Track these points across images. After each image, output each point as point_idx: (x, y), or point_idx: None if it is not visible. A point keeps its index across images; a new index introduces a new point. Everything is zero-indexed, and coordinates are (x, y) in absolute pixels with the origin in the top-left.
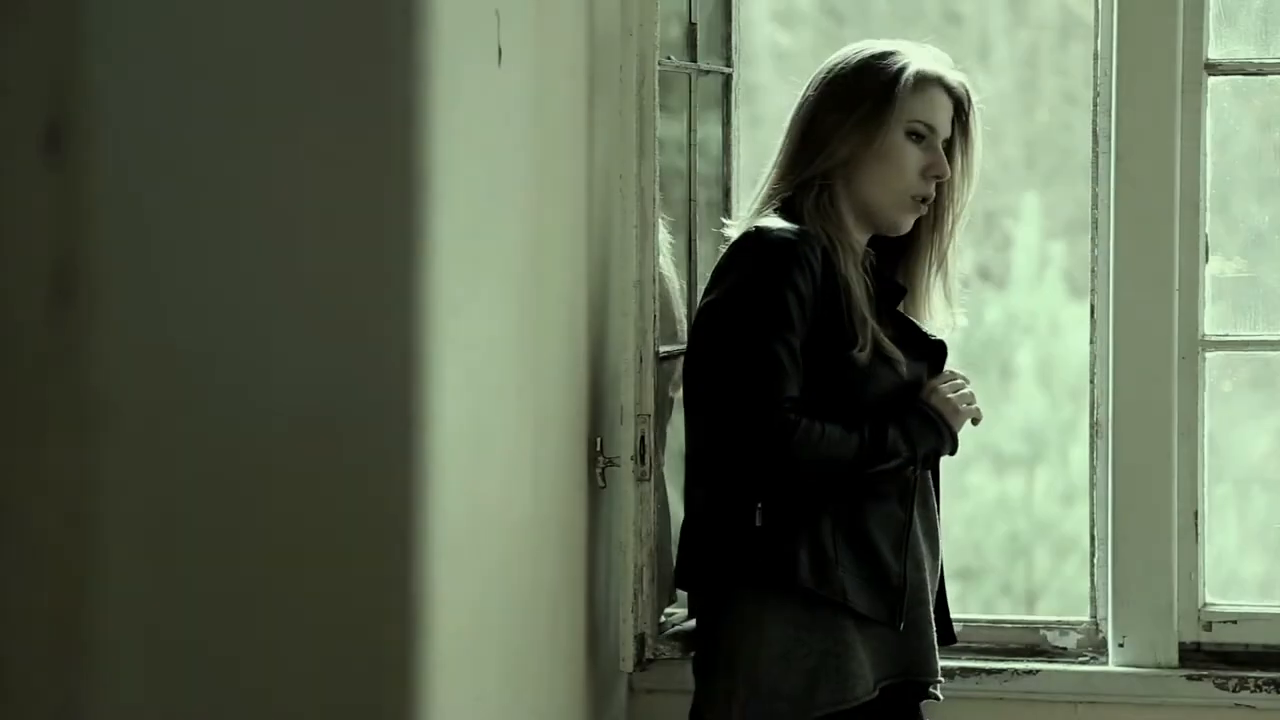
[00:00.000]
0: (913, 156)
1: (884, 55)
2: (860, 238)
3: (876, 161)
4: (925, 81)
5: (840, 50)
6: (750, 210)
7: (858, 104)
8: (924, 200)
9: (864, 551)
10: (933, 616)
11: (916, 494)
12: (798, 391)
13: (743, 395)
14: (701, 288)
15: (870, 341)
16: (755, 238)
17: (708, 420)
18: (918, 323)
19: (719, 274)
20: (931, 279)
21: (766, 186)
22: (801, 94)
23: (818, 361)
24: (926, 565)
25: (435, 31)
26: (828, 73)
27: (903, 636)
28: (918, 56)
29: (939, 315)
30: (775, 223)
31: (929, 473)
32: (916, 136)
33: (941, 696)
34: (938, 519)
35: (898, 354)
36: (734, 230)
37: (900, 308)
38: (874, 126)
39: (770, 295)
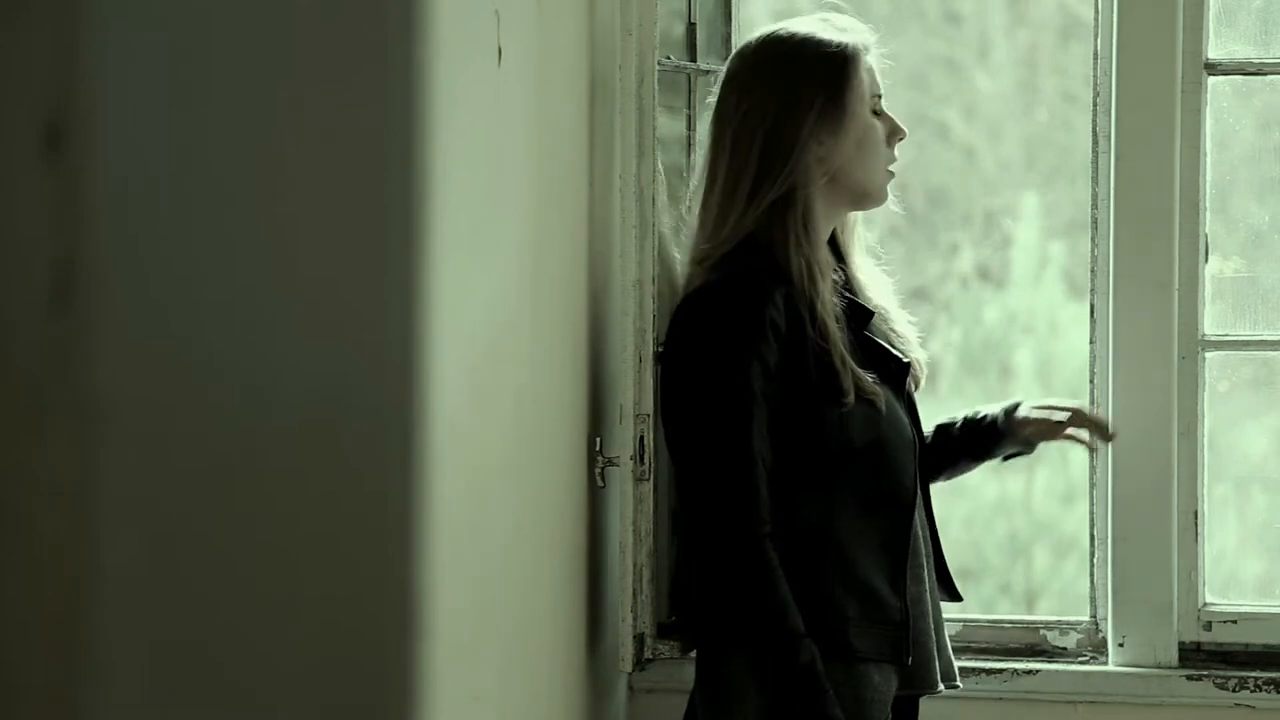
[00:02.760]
0: (881, 131)
1: (804, 41)
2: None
3: (857, 150)
4: (859, 55)
5: (732, 60)
6: (705, 242)
7: (810, 101)
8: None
9: (862, 593)
10: (932, 627)
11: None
12: (768, 460)
13: (712, 504)
14: None
15: (852, 387)
16: (712, 307)
17: (680, 488)
18: (882, 323)
19: (677, 340)
20: (852, 237)
21: (730, 221)
22: (717, 110)
23: (792, 414)
24: (925, 571)
25: (435, 31)
26: (753, 77)
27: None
28: (833, 30)
29: (866, 269)
30: (731, 281)
31: (920, 486)
32: (875, 112)
33: (942, 691)
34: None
35: (876, 390)
36: (682, 257)
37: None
38: (840, 118)
39: (736, 386)
